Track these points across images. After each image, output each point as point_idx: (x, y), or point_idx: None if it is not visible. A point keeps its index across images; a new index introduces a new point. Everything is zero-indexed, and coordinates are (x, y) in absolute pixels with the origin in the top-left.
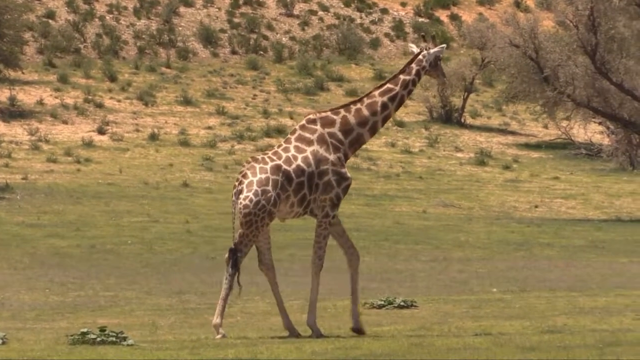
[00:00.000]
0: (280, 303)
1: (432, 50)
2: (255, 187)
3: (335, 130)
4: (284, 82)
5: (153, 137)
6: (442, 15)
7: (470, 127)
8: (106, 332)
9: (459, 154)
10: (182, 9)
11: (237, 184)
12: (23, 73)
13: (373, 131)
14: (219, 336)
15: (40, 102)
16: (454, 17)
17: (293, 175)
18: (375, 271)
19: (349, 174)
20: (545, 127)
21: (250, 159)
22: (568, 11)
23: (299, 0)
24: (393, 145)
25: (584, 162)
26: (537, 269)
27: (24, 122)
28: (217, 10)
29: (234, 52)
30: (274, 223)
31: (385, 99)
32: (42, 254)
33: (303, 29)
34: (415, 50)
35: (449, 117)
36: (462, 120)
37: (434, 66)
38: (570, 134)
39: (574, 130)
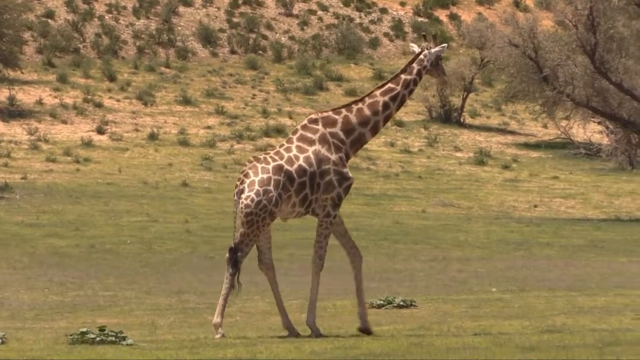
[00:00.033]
0: (279, 303)
1: (433, 50)
2: (257, 187)
3: (337, 130)
4: (283, 81)
5: (152, 136)
6: (442, 14)
7: (470, 127)
8: (105, 332)
9: (458, 154)
10: (181, 9)
11: (238, 183)
12: (22, 73)
13: (374, 131)
14: (218, 335)
15: (40, 102)
16: (453, 17)
17: (295, 175)
18: (374, 271)
19: (350, 174)
20: (545, 126)
21: (252, 159)
22: (567, 11)
23: (298, 0)
24: (392, 144)
25: (583, 162)
26: (536, 268)
27: (23, 121)
28: (216, 9)
29: (233, 52)
30: (273, 222)
31: (386, 98)
32: (42, 253)
33: (302, 29)
34: (417, 49)
35: (448, 116)
36: (462, 119)
37: (435, 65)
38: (569, 133)
39: (573, 130)
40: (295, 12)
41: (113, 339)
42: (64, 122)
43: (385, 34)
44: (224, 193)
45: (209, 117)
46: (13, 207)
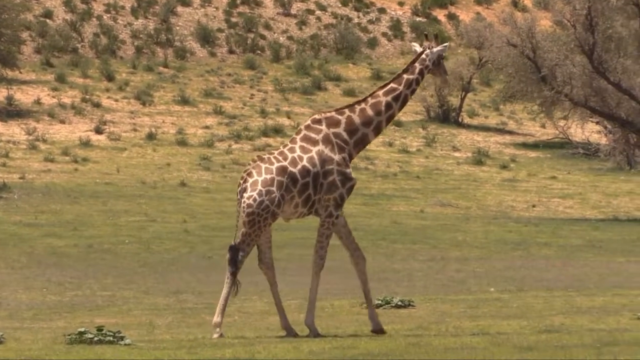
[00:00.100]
0: (278, 302)
1: (435, 49)
2: (259, 187)
3: (341, 130)
4: (282, 81)
5: (150, 136)
6: (440, 14)
7: (468, 127)
8: (103, 332)
9: (457, 154)
10: (179, 9)
11: (241, 182)
12: (20, 72)
13: (377, 131)
14: (216, 335)
15: (38, 102)
16: (451, 17)
17: (298, 176)
18: (372, 271)
19: (353, 175)
20: (543, 126)
21: (256, 158)
22: (565, 11)
23: (297, 0)
24: (390, 144)
25: (582, 162)
26: (534, 268)
27: (22, 121)
28: (214, 9)
29: (231, 52)
30: (274, 223)
31: (389, 98)
32: (40, 253)
33: (300, 29)
34: (418, 49)
35: (447, 116)
36: (460, 119)
37: (437, 65)
38: (567, 133)
39: (572, 130)
40: (293, 12)
41: (111, 338)
42: (62, 121)
43: (384, 34)
44: (222, 193)
45: (207, 117)
46: (11, 206)
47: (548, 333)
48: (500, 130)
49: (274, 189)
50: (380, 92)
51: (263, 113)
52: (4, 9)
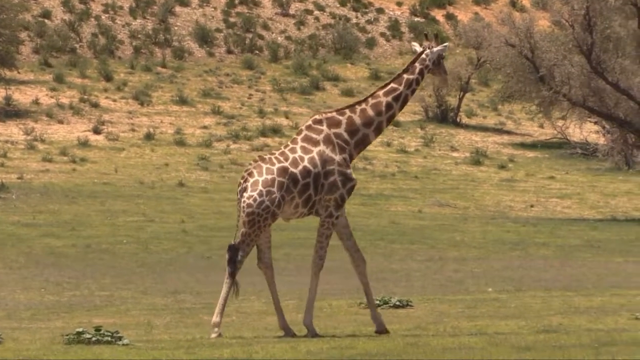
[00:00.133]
0: (276, 302)
1: (435, 49)
2: (260, 188)
3: (342, 130)
4: (280, 81)
5: (149, 136)
6: (438, 14)
7: (466, 127)
8: (101, 332)
9: (455, 154)
10: (177, 9)
11: (242, 181)
12: (19, 72)
13: (378, 131)
14: (214, 335)
15: (36, 102)
16: (449, 17)
17: (299, 177)
18: (370, 271)
19: (353, 175)
20: (541, 126)
21: (257, 158)
22: (564, 11)
23: (295, 0)
24: (389, 144)
25: (580, 162)
26: (532, 268)
27: (20, 121)
28: (212, 9)
29: (229, 52)
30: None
31: (389, 98)
32: (38, 253)
33: (299, 29)
34: (418, 48)
35: (445, 116)
36: (458, 119)
37: (437, 65)
38: (565, 133)
39: (570, 130)
40: (291, 12)
41: (109, 339)
42: (61, 122)
43: (382, 34)
44: (220, 193)
45: (205, 117)
46: (9, 207)
47: (546, 333)
48: (499, 130)
49: (275, 189)
50: (381, 93)
51: (261, 113)
52: (2, 9)
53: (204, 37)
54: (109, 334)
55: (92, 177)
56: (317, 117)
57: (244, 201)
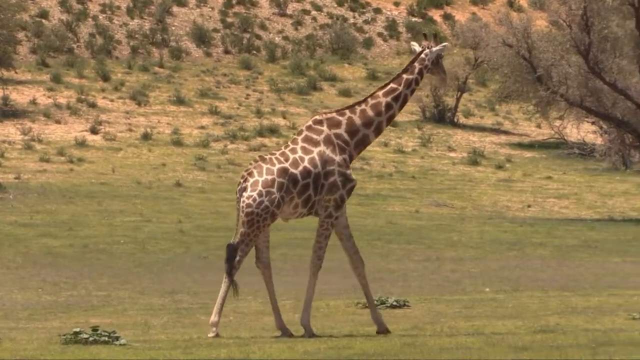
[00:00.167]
0: (274, 302)
1: (434, 49)
2: (260, 188)
3: (342, 131)
4: (277, 81)
5: (146, 136)
6: (435, 14)
7: (463, 127)
8: (99, 332)
9: (452, 154)
10: (175, 9)
11: (241, 181)
12: (16, 72)
13: (378, 132)
14: (211, 334)
15: (33, 102)
16: (447, 17)
17: (299, 177)
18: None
19: (353, 176)
20: (538, 126)
21: (258, 158)
22: (561, 11)
23: (292, 0)
24: (386, 144)
25: (577, 162)
26: (529, 268)
27: (17, 121)
28: (210, 9)
29: (227, 52)
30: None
31: (389, 99)
32: (35, 253)
33: (296, 29)
34: (418, 48)
35: (442, 116)
36: (455, 119)
37: (436, 64)
38: (563, 133)
39: (567, 130)
40: (289, 12)
41: (106, 339)
42: (58, 122)
43: (379, 34)
44: (217, 193)
45: (202, 117)
46: (6, 207)
47: (543, 333)
48: (496, 131)
49: (274, 190)
50: (380, 93)
51: (258, 113)
52: None
53: (201, 37)
54: (106, 334)
55: (89, 177)
56: (317, 117)
57: (244, 201)
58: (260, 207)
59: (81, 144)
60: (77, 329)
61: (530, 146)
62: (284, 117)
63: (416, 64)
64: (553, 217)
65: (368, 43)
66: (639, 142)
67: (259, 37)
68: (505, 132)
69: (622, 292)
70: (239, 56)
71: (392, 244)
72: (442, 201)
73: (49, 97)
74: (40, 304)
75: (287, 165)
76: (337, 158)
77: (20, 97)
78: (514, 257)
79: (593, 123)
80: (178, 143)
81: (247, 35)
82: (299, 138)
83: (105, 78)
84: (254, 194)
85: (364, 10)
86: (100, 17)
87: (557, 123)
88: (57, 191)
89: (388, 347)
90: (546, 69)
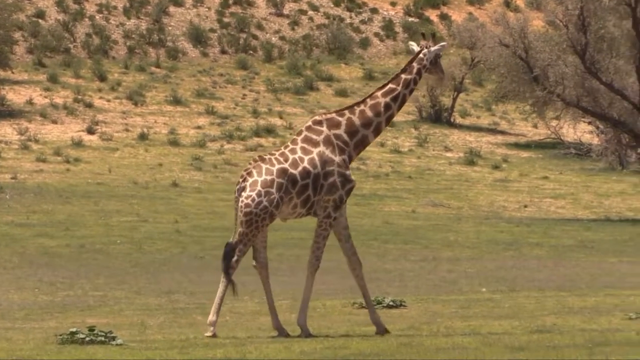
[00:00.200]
0: (270, 302)
1: (432, 49)
2: (259, 188)
3: (341, 132)
4: (274, 81)
5: (142, 136)
6: (432, 14)
7: (460, 127)
8: (95, 332)
9: (449, 154)
10: (171, 9)
11: (240, 180)
12: (13, 72)
13: (377, 132)
14: (208, 333)
15: (30, 102)
16: (443, 17)
17: (298, 177)
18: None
19: (352, 177)
20: (535, 126)
21: (257, 158)
22: (558, 11)
23: (289, 0)
24: (382, 144)
25: (574, 162)
26: (526, 268)
27: (14, 121)
28: (206, 9)
29: (223, 52)
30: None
31: (387, 99)
32: (31, 253)
33: (293, 29)
34: (416, 48)
35: (439, 116)
36: (452, 119)
37: (434, 64)
38: (559, 133)
39: (564, 130)
40: (285, 12)
41: (103, 339)
42: (54, 122)
43: (376, 34)
44: (214, 193)
45: (199, 117)
46: (3, 207)
47: (540, 333)
48: (492, 131)
49: (274, 190)
50: (379, 93)
51: (255, 113)
52: None
53: (197, 37)
54: (103, 334)
55: (85, 177)
56: (317, 118)
57: (242, 201)
58: (259, 207)
59: (78, 144)
60: (74, 329)
61: (527, 146)
62: (281, 117)
63: (414, 64)
64: (549, 217)
65: (365, 43)
66: (635, 142)
67: (255, 37)
68: (502, 132)
69: (619, 292)
70: (235, 56)
71: (388, 244)
72: (439, 201)
73: (46, 97)
74: (36, 304)
75: (286, 165)
76: (337, 159)
77: (16, 97)
78: (510, 257)
79: (589, 123)
80: (175, 143)
81: (244, 35)
82: (299, 138)
83: (102, 78)
84: (253, 194)
85: (361, 10)
86: (97, 17)
87: (554, 123)
88: (54, 191)
89: (384, 347)
90: (543, 69)
